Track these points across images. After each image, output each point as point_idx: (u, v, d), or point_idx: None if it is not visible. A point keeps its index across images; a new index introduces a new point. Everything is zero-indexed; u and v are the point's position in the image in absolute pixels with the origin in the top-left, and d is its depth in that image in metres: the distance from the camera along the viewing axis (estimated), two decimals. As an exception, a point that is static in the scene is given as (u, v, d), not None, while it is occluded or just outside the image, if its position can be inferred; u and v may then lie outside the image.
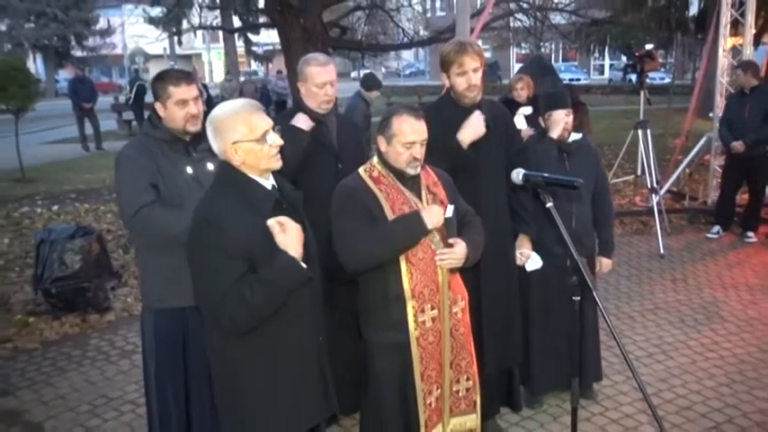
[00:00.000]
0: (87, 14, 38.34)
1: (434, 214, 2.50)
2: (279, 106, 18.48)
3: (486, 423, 2.94)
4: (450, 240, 2.56)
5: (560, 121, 3.57)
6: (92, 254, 5.70)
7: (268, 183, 2.30)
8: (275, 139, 2.26)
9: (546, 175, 2.68)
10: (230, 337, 2.23)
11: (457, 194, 2.79)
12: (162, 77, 2.86)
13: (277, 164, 2.30)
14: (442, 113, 3.19)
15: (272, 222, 2.16)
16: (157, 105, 2.84)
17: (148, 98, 19.03)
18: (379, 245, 2.50)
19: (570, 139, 3.65)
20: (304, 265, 2.19)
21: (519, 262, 3.38)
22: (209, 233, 2.15)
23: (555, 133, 3.58)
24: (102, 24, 40.01)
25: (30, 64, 28.37)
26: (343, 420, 3.65)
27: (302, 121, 3.25)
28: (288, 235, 2.17)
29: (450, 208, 2.60)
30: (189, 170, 2.83)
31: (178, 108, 2.80)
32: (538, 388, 3.77)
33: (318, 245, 2.46)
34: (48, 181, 11.72)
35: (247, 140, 2.21)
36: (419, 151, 2.55)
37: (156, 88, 2.83)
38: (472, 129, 3.12)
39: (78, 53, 38.99)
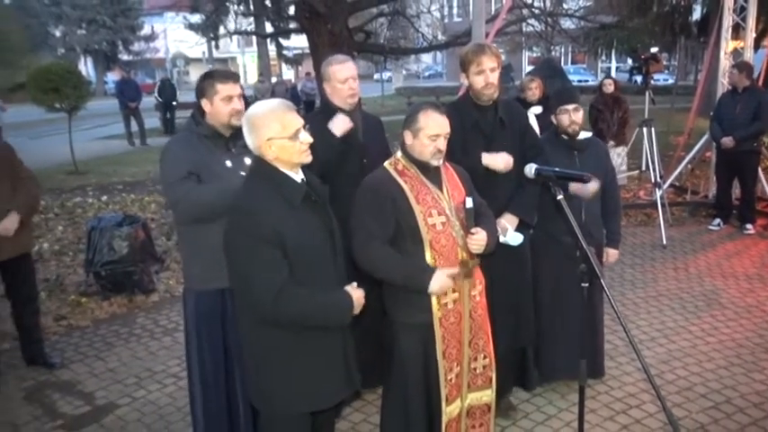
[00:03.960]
0: (133, 21, 38.63)
1: (442, 285, 2.49)
2: (308, 106, 18.49)
3: (499, 400, 2.93)
4: (472, 230, 2.55)
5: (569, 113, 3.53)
6: (137, 240, 5.75)
7: (298, 176, 2.31)
8: (306, 137, 2.27)
9: (557, 169, 2.66)
10: (259, 318, 2.25)
11: (473, 188, 2.78)
12: (210, 76, 2.87)
13: (307, 159, 2.31)
14: (461, 112, 3.18)
15: (358, 296, 2.33)
16: (204, 102, 2.84)
17: (188, 97, 19.25)
18: (385, 267, 2.52)
19: (581, 137, 3.61)
20: (354, 312, 2.32)
21: (501, 239, 3.18)
22: (244, 220, 2.18)
23: (564, 125, 3.55)
24: (146, 30, 40.27)
25: (81, 67, 28.69)
26: (366, 394, 3.67)
27: (339, 122, 3.24)
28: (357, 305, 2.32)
29: (470, 199, 2.60)
30: (228, 164, 2.83)
31: (224, 104, 2.81)
32: (547, 371, 3.74)
33: (345, 235, 2.47)
34: (98, 173, 11.82)
35: (281, 137, 2.23)
36: (443, 144, 2.55)
37: (204, 86, 2.82)
38: (501, 163, 3.12)
39: (125, 57, 39.29)
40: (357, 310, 2.32)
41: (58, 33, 38.40)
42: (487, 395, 2.76)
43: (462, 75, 3.25)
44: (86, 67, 36.91)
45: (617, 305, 2.61)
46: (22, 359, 4.32)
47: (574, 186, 3.35)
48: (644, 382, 3.81)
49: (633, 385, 3.81)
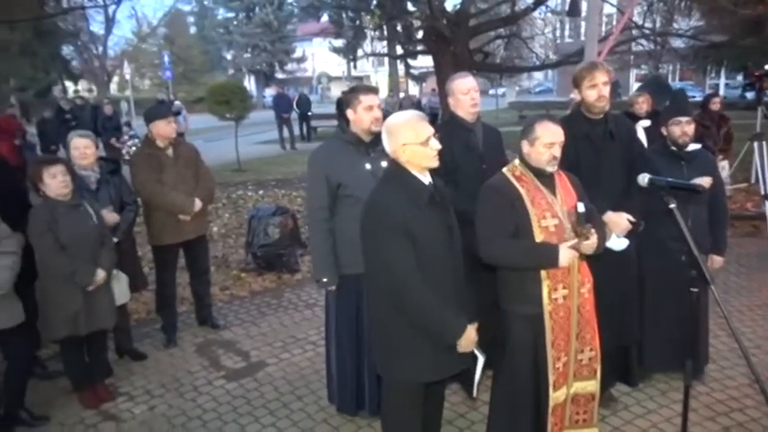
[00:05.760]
0: (288, 46, 40.39)
1: (569, 256, 2.37)
2: (431, 118, 18.49)
3: (602, 392, 2.77)
4: (585, 228, 2.42)
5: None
6: (287, 228, 6.00)
7: (426, 179, 2.31)
8: (435, 144, 2.28)
9: (670, 179, 2.46)
10: (387, 298, 2.28)
11: (584, 194, 2.64)
12: (354, 90, 2.97)
13: (435, 163, 2.31)
14: (572, 124, 3.04)
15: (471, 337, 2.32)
16: (348, 112, 2.93)
17: (325, 109, 19.93)
18: (512, 255, 2.43)
19: (689, 149, 3.32)
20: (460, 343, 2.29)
21: (607, 243, 3.05)
22: (378, 214, 2.23)
23: (675, 136, 3.28)
24: (298, 53, 42.02)
25: (246, 84, 30.46)
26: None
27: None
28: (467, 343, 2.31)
29: (581, 204, 2.47)
30: (368, 166, 2.90)
31: (366, 112, 2.88)
32: (649, 368, 3.49)
33: (463, 233, 2.45)
34: (255, 171, 12.30)
35: (414, 143, 2.25)
36: (557, 151, 2.45)
37: (349, 98, 2.92)
38: (619, 226, 2.96)
39: (280, 75, 41.15)
40: (465, 347, 2.30)
41: (228, 57, 41.03)
42: (592, 385, 2.61)
43: (575, 90, 3.13)
44: (250, 84, 39.10)
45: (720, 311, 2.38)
46: (195, 320, 4.66)
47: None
48: (747, 387, 3.44)
49: (736, 389, 3.45)
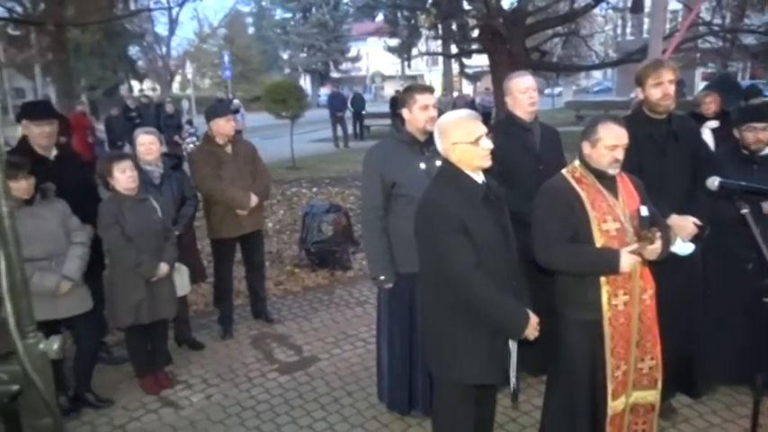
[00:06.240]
0: (343, 46, 40.86)
1: (630, 262, 2.28)
2: (485, 117, 18.31)
3: (662, 403, 2.66)
4: (650, 231, 2.33)
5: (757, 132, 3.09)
6: (340, 225, 6.05)
7: (479, 178, 2.28)
8: (486, 144, 2.24)
9: (743, 183, 2.34)
10: (441, 297, 2.27)
11: (647, 197, 2.55)
12: (410, 89, 2.96)
13: (486, 163, 2.28)
14: (634, 125, 2.93)
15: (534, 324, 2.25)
16: (404, 111, 2.92)
17: (378, 108, 19.98)
18: (570, 260, 2.36)
19: (763, 152, 3.15)
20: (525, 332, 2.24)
21: (671, 248, 2.91)
22: (434, 211, 2.22)
23: (748, 141, 3.11)
24: (352, 53, 42.41)
25: (301, 83, 30.95)
26: (527, 378, 3.54)
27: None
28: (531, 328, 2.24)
29: (644, 208, 2.39)
30: (422, 165, 2.88)
31: (421, 111, 2.87)
32: (713, 379, 3.33)
33: (518, 234, 2.40)
34: (310, 169, 12.44)
35: (464, 142, 2.23)
36: (620, 154, 2.37)
37: (405, 97, 2.92)
38: (684, 230, 2.84)
39: (334, 74, 41.67)
40: (530, 335, 2.24)
41: (285, 56, 41.91)
42: (652, 395, 2.51)
43: (638, 89, 3.02)
44: (305, 83, 39.74)
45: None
46: (250, 313, 4.76)
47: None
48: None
49: (809, 407, 3.25)
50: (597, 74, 42.57)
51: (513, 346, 2.31)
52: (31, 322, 0.89)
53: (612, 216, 2.37)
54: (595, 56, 17.86)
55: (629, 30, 30.37)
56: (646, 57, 6.98)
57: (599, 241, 2.34)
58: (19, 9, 12.22)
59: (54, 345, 0.91)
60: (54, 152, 3.57)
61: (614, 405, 2.43)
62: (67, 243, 3.27)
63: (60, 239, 3.23)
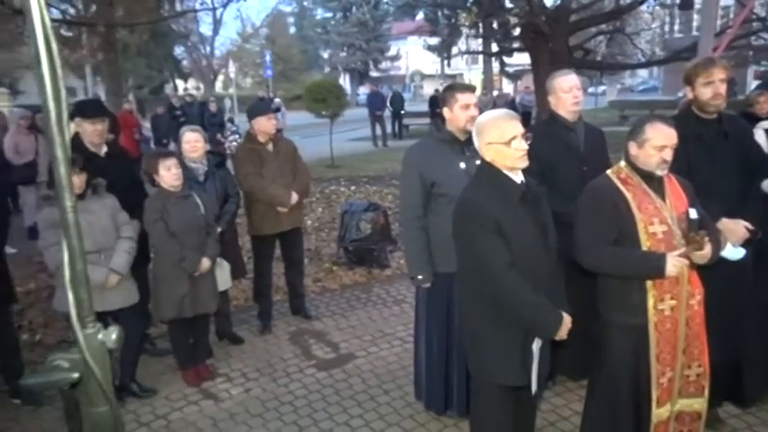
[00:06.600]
0: (382, 45, 40.96)
1: (678, 265, 2.22)
2: (524, 116, 18.09)
3: (708, 411, 2.58)
4: (699, 234, 2.27)
5: None
6: (378, 224, 6.06)
7: (517, 178, 2.26)
8: (520, 145, 2.21)
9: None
10: (479, 297, 2.26)
11: (696, 199, 2.47)
12: (451, 88, 2.94)
13: (522, 164, 2.24)
14: (683, 124, 2.84)
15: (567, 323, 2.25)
16: (445, 110, 2.91)
17: (417, 107, 19.92)
18: (615, 262, 2.31)
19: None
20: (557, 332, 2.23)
21: (721, 252, 2.80)
22: (472, 210, 2.22)
23: None
24: (392, 52, 42.45)
25: (341, 82, 31.17)
26: (566, 382, 3.49)
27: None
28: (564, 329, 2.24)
29: (693, 210, 2.32)
30: (462, 165, 2.87)
31: (462, 110, 2.85)
32: (763, 389, 3.20)
33: (560, 235, 2.37)
34: (348, 167, 12.49)
35: (497, 142, 2.22)
36: (669, 154, 2.30)
37: (446, 96, 2.90)
38: (735, 234, 2.74)
39: (374, 73, 41.79)
40: (561, 335, 2.22)
41: (325, 55, 42.29)
42: (699, 403, 2.43)
43: (686, 88, 2.92)
44: (345, 82, 39.98)
45: None
46: (289, 309, 4.83)
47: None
48: None
49: None
50: (643, 72, 41.45)
51: (536, 346, 2.28)
52: (91, 313, 0.93)
53: (659, 218, 2.31)
54: (641, 54, 17.37)
55: (677, 27, 29.46)
56: (695, 55, 6.75)
57: (645, 244, 2.28)
58: (72, 11, 12.71)
59: (112, 335, 0.95)
60: (104, 149, 3.70)
61: (659, 413, 2.37)
62: (116, 237, 3.38)
63: (110, 233, 3.35)
